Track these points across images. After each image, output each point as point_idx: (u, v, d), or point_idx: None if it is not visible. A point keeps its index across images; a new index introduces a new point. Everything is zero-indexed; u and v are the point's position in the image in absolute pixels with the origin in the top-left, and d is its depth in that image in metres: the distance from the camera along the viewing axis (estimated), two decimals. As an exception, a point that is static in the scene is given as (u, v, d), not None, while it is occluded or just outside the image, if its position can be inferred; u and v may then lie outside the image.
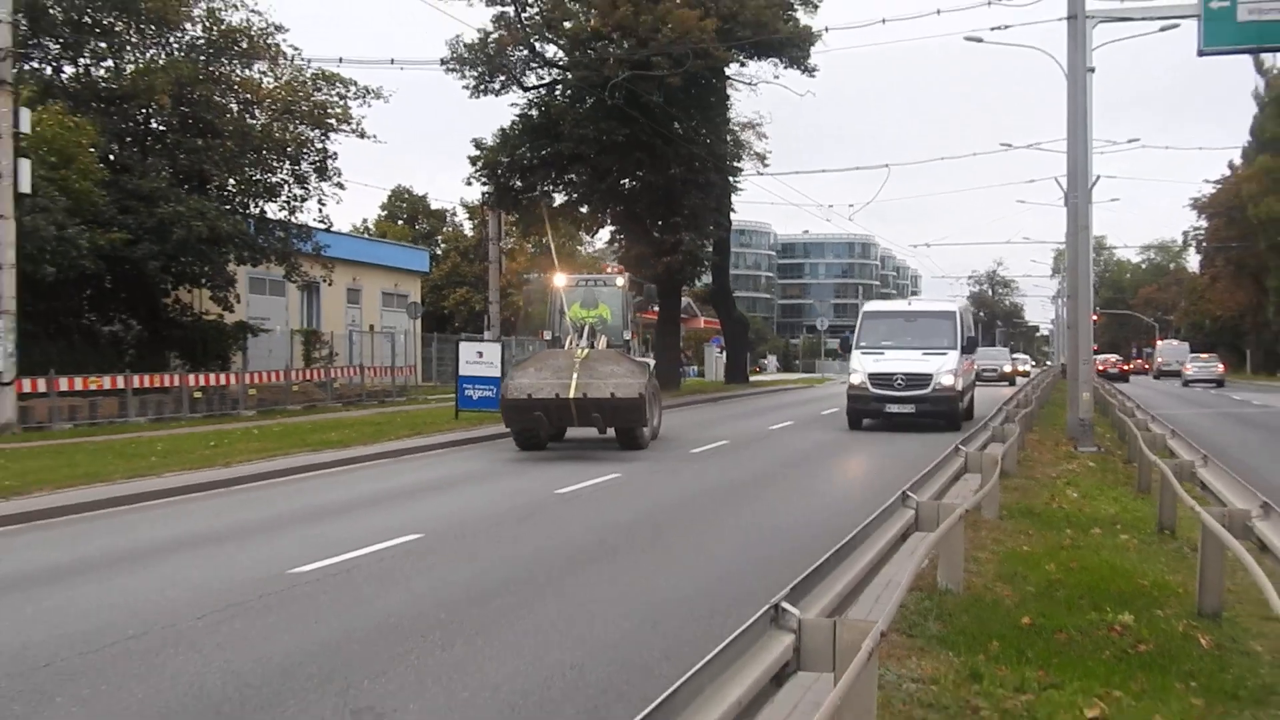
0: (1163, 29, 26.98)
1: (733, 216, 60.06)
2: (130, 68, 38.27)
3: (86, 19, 37.17)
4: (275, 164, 40.03)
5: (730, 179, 55.59)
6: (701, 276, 60.96)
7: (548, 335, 27.33)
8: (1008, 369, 67.66)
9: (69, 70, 38.31)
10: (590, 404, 21.84)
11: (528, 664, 8.19)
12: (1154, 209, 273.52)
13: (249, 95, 39.56)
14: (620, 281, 27.51)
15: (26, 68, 34.35)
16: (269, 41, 39.34)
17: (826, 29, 56.97)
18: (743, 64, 51.59)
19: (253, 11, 39.36)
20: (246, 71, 39.68)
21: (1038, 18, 31.75)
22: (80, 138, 33.17)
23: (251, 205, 39.98)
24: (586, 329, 24.93)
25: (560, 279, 27.38)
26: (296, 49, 40.39)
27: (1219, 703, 7.10)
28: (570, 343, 24.24)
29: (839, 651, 5.19)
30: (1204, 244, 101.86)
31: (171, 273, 36.77)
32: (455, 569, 12.01)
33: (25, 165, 28.68)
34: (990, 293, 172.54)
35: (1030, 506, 15.02)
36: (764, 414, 37.62)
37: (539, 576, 11.41)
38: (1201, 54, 26.13)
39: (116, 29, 37.92)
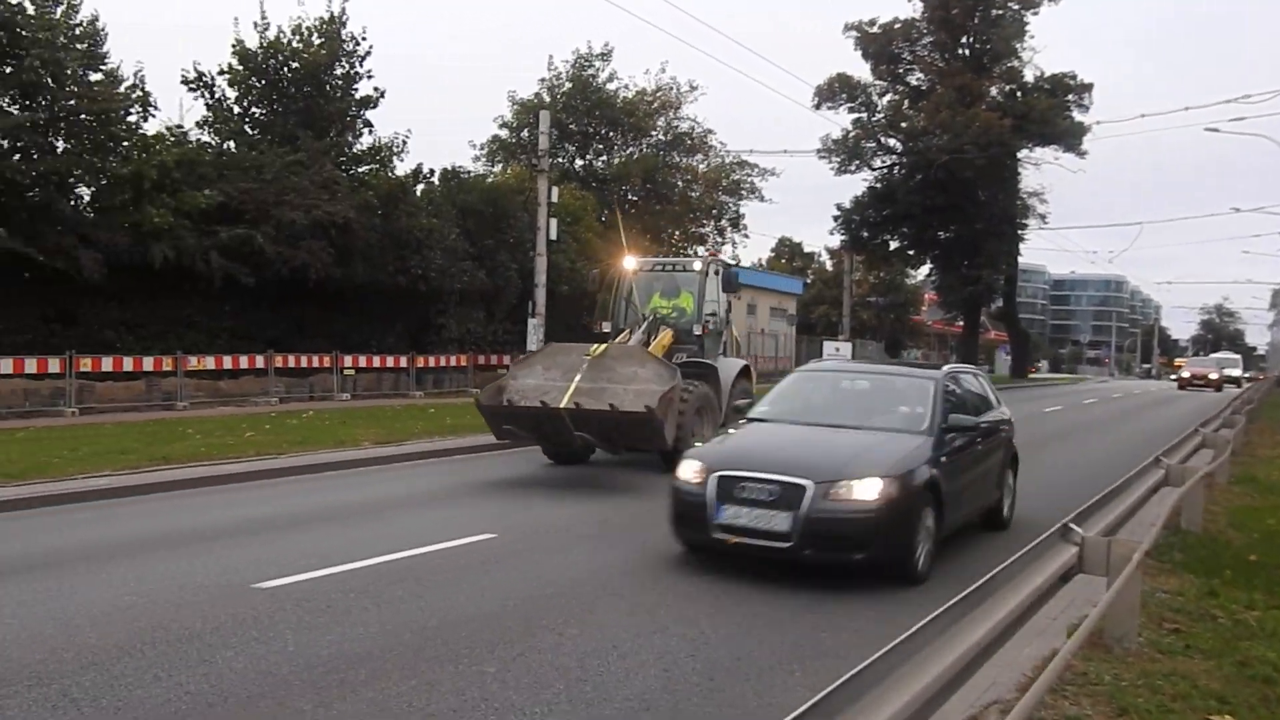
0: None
1: (1018, 259, 56.94)
2: (616, 161, 40.11)
3: (590, 130, 39.34)
4: (705, 221, 41.02)
5: (1018, 232, 52.73)
6: (995, 302, 58.09)
7: (606, 327, 15.58)
8: (1234, 373, 54.96)
9: (579, 163, 40.57)
10: (586, 417, 11.65)
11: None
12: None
13: (690, 176, 40.67)
14: (697, 265, 15.65)
15: (555, 162, 36.82)
16: (704, 141, 40.38)
17: (1098, 122, 53.14)
18: (1030, 150, 48.73)
19: (693, 121, 40.50)
20: (689, 160, 40.81)
21: (1270, 112, 28.25)
22: (585, 205, 35.24)
23: (688, 250, 41.16)
24: (648, 321, 14.50)
25: (631, 262, 15.83)
26: (722, 143, 41.46)
27: None
28: (623, 336, 14.29)
29: (1112, 562, 4.89)
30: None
31: (641, 291, 38.52)
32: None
33: (553, 223, 30.76)
34: (1216, 319, 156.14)
35: (1253, 476, 13.43)
36: (1036, 400, 35.26)
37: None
38: None
39: (609, 136, 39.94)
